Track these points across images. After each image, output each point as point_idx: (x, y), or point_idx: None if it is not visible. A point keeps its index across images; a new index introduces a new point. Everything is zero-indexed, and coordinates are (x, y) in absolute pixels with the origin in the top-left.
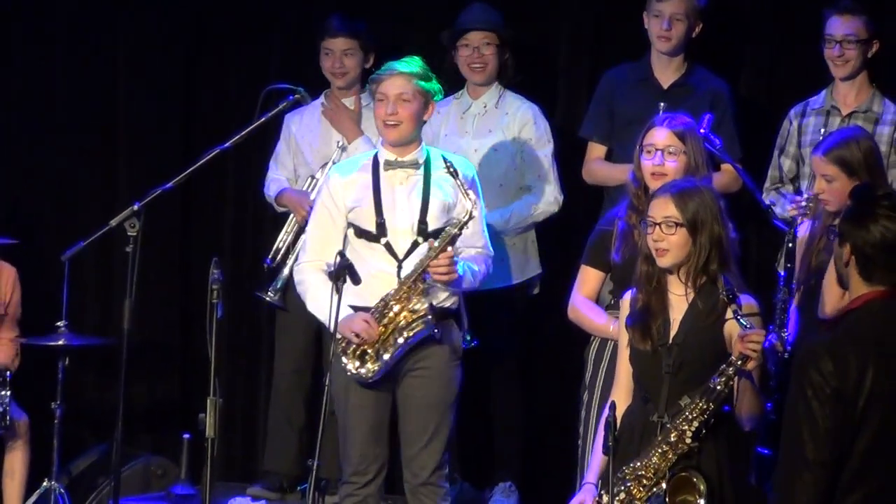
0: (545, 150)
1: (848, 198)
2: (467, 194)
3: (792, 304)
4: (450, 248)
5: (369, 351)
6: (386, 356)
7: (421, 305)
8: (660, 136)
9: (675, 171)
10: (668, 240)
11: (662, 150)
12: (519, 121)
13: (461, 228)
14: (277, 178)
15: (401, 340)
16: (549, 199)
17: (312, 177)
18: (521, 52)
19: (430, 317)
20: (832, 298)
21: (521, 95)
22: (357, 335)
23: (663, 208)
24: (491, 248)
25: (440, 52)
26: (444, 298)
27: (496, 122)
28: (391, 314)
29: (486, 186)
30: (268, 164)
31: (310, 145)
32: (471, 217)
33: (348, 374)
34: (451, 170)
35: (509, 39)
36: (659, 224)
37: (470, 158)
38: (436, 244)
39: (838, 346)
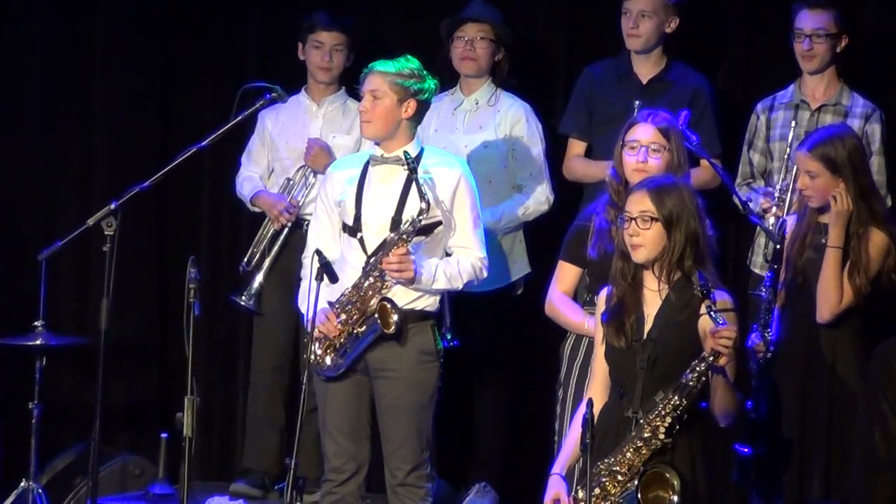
0: (536, 149)
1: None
2: (422, 193)
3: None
4: (403, 246)
5: (334, 345)
6: (347, 351)
7: (376, 301)
8: (644, 132)
9: (658, 168)
10: (643, 235)
11: (647, 146)
12: (511, 119)
13: (414, 225)
14: (251, 176)
15: (356, 335)
16: (540, 198)
17: (288, 179)
18: (516, 52)
19: (377, 315)
20: (831, 302)
21: (515, 94)
22: (317, 329)
23: (639, 203)
24: (483, 251)
25: (433, 51)
26: (415, 299)
27: (488, 119)
28: (350, 308)
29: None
30: (239, 159)
31: (286, 143)
32: (422, 216)
33: (312, 364)
34: (410, 165)
35: (505, 38)
36: (634, 219)
37: (460, 155)
38: (392, 241)
39: None
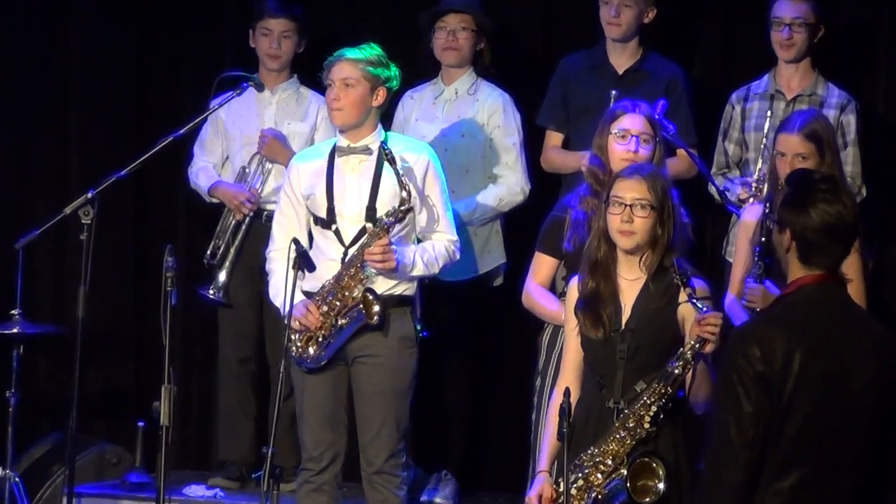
0: (513, 139)
1: (784, 184)
2: (403, 183)
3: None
4: (385, 237)
5: (316, 336)
6: (330, 342)
7: (357, 292)
8: (634, 122)
9: (647, 157)
10: (637, 221)
11: (637, 136)
12: (488, 108)
13: (396, 216)
14: (206, 167)
15: (339, 326)
16: (515, 188)
17: (243, 168)
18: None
19: (360, 305)
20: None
21: (496, 84)
22: (297, 321)
23: (634, 189)
24: (455, 234)
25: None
26: (394, 286)
27: (467, 108)
28: (331, 300)
29: (452, 172)
30: (191, 149)
31: (240, 131)
32: (405, 206)
33: (294, 356)
34: (388, 156)
35: (486, 28)
36: (629, 205)
37: (440, 144)
38: (373, 232)
39: (766, 330)
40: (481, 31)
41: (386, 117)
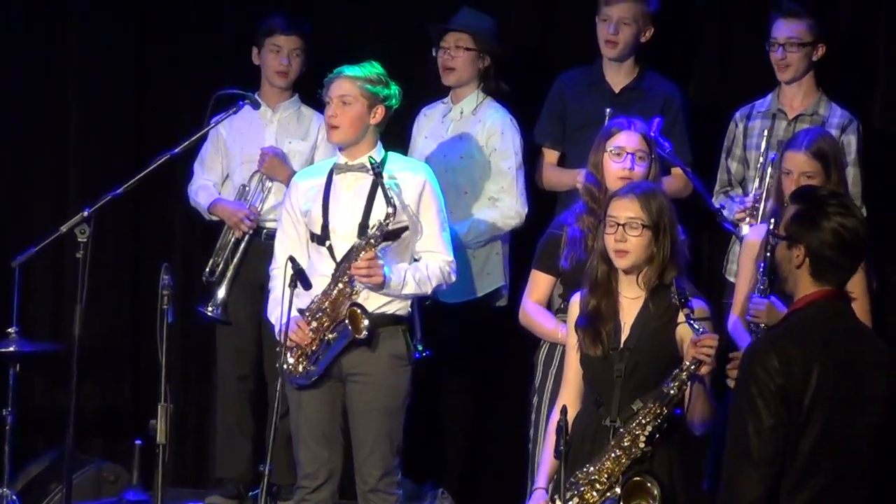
0: (509, 163)
1: (790, 201)
2: (388, 198)
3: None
4: (371, 251)
5: (306, 352)
6: (319, 357)
7: (343, 308)
8: (630, 140)
9: (642, 175)
10: (630, 241)
11: (633, 153)
12: (487, 130)
13: (381, 230)
14: (205, 185)
15: (327, 342)
16: (509, 212)
17: (243, 185)
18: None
19: (347, 320)
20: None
21: (502, 105)
22: (286, 336)
23: (627, 208)
24: (451, 255)
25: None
26: (386, 303)
27: (469, 128)
28: (320, 315)
29: (451, 193)
30: (191, 167)
31: (241, 149)
32: (388, 220)
33: (286, 372)
34: (375, 170)
35: (486, 47)
36: (622, 225)
37: (440, 163)
38: (359, 246)
39: (783, 344)
40: (482, 51)
41: (403, 132)
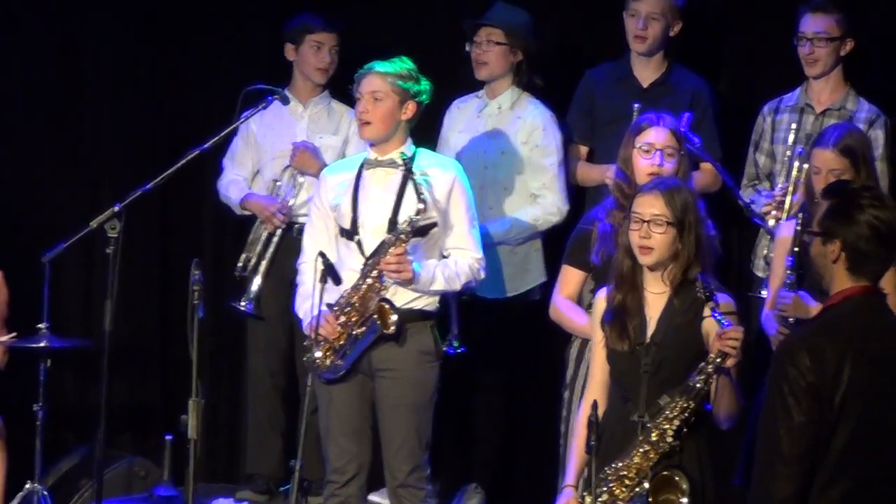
0: (551, 159)
1: (822, 197)
2: (419, 193)
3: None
4: (401, 246)
5: (334, 346)
6: (347, 352)
7: (375, 302)
8: (659, 136)
9: (672, 171)
10: (655, 237)
11: (662, 150)
12: (529, 126)
13: (412, 226)
14: (236, 179)
15: (355, 336)
16: (552, 209)
17: (275, 181)
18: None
19: (376, 315)
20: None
21: (541, 100)
22: (315, 331)
23: (652, 205)
24: (480, 252)
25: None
26: (414, 299)
27: (508, 125)
28: (349, 310)
29: (491, 189)
30: (221, 162)
31: (271, 144)
32: (420, 216)
33: (313, 366)
34: (407, 165)
35: (517, 42)
36: (647, 221)
37: (478, 159)
38: (389, 241)
39: (816, 341)
40: (514, 46)
41: (432, 126)
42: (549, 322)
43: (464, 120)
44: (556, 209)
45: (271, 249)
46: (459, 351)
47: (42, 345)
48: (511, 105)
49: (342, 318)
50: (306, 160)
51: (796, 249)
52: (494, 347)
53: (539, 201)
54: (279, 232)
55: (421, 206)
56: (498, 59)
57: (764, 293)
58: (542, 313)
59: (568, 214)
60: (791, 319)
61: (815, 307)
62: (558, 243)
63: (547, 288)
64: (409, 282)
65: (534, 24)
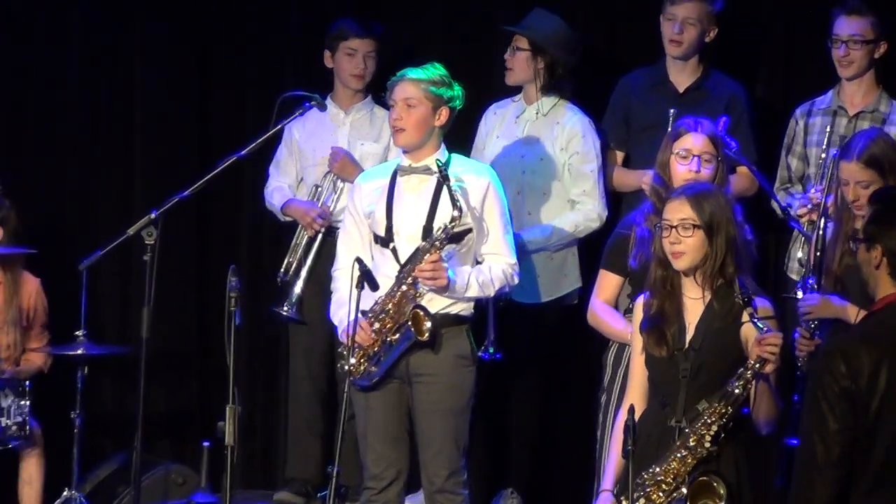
0: (591, 166)
1: (868, 202)
2: (455, 200)
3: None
4: (436, 253)
5: (368, 353)
6: (381, 358)
7: (409, 309)
8: (696, 141)
9: (709, 177)
10: (684, 242)
11: (699, 155)
12: (568, 133)
13: (447, 233)
14: (280, 186)
15: (389, 343)
16: (592, 215)
17: (316, 186)
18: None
19: (410, 322)
20: None
21: (579, 108)
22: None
23: (679, 210)
24: (514, 258)
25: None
26: (449, 305)
27: (546, 131)
28: (383, 317)
29: (529, 195)
30: (267, 170)
31: (313, 151)
32: (454, 223)
33: (346, 372)
34: (442, 173)
35: (542, 49)
36: (675, 226)
37: (516, 165)
38: (424, 248)
39: (852, 347)
40: (539, 53)
41: (465, 131)
42: (586, 326)
43: (501, 125)
44: (597, 215)
45: (312, 254)
46: (495, 357)
47: (79, 352)
48: (549, 111)
49: (376, 325)
50: (346, 166)
51: (818, 253)
52: (530, 353)
53: (579, 207)
54: (320, 237)
55: (456, 213)
56: (521, 66)
57: (799, 294)
58: (578, 317)
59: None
60: (814, 323)
61: (842, 307)
62: (595, 248)
63: (583, 291)
64: (443, 289)
65: (566, 32)
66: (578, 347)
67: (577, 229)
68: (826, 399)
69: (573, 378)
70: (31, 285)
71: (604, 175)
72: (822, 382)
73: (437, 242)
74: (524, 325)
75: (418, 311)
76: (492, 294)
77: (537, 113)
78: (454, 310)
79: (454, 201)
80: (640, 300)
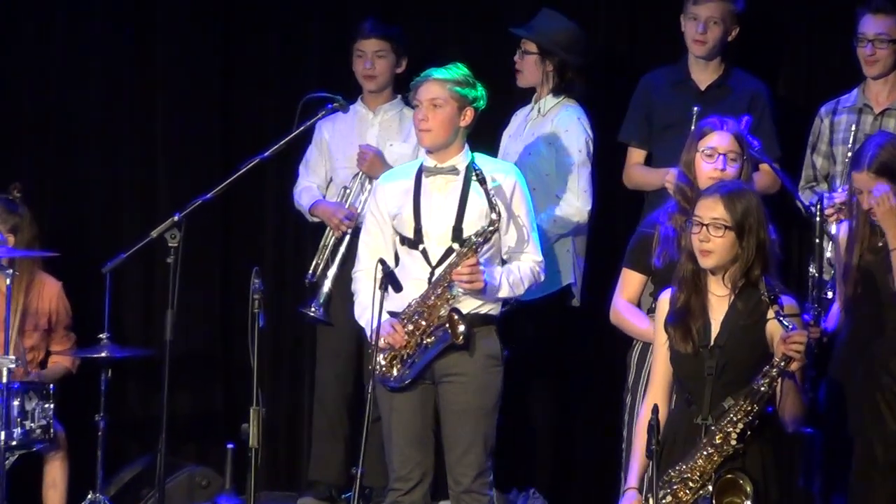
0: (571, 160)
1: None
2: (493, 204)
3: (834, 304)
4: (473, 257)
5: (401, 355)
6: (415, 361)
7: (444, 312)
8: (722, 140)
9: (735, 176)
10: (714, 241)
11: (725, 154)
12: (554, 128)
13: (485, 237)
14: (309, 187)
15: (424, 346)
16: (570, 210)
17: (345, 187)
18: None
19: (446, 325)
20: None
21: (580, 105)
22: (383, 339)
23: (712, 209)
24: (540, 255)
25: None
26: (479, 305)
27: (542, 128)
28: (417, 319)
29: None
30: (296, 170)
31: (342, 152)
32: (494, 227)
33: (379, 374)
34: (479, 177)
35: (547, 51)
36: (706, 225)
37: (516, 162)
38: (461, 252)
39: None
40: (544, 54)
41: (487, 131)
42: (596, 324)
43: (514, 125)
44: (576, 210)
45: (340, 255)
46: (504, 354)
47: (103, 355)
48: (549, 109)
49: (409, 327)
50: (375, 164)
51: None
52: (536, 351)
53: (561, 202)
54: (347, 238)
55: (495, 216)
56: (531, 68)
57: (830, 294)
58: (588, 314)
59: (610, 212)
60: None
61: None
62: (601, 246)
63: (591, 289)
64: (480, 291)
65: (574, 33)
66: (594, 347)
67: (554, 224)
68: (885, 400)
69: (595, 377)
70: (52, 288)
71: (592, 171)
72: (879, 384)
73: (474, 246)
74: (525, 325)
75: (454, 314)
76: (521, 293)
77: (539, 111)
78: (483, 310)
79: (493, 205)
80: (665, 295)
